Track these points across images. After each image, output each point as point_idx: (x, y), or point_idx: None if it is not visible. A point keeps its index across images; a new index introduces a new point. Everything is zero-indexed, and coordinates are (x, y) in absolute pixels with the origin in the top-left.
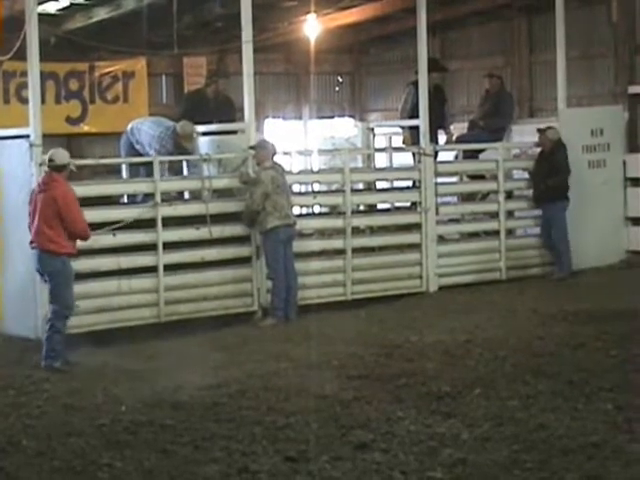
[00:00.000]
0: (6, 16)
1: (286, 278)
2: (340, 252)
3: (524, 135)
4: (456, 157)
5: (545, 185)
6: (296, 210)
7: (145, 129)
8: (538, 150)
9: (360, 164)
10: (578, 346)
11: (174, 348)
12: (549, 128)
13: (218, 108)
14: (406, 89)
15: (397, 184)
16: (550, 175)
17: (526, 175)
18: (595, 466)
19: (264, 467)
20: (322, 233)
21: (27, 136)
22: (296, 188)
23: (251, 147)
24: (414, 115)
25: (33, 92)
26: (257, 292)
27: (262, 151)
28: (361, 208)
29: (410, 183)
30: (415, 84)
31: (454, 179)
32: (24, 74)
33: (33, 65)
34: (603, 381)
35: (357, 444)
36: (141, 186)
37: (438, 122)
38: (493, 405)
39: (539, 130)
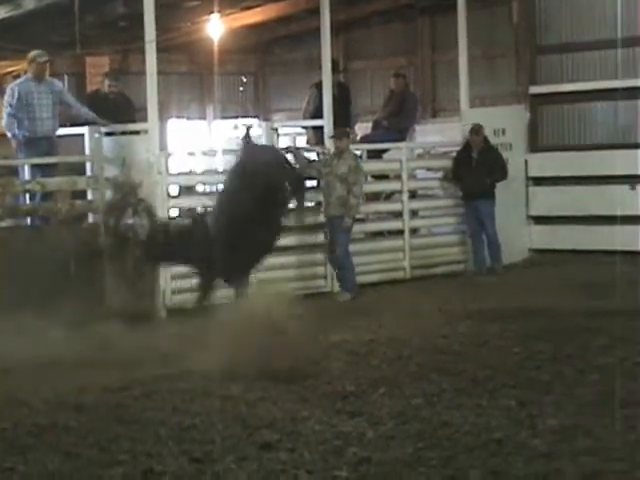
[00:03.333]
0: None
1: None
2: None
3: (427, 135)
4: (360, 157)
5: (492, 180)
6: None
7: None
8: (446, 149)
9: None
10: (482, 344)
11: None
12: (478, 126)
13: (117, 107)
14: (309, 90)
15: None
16: (492, 171)
17: (430, 174)
18: (499, 462)
19: (169, 468)
20: None
21: None
22: (200, 188)
23: (332, 136)
24: (317, 116)
25: None
26: None
27: (347, 140)
28: None
29: (314, 183)
30: (318, 86)
31: None
32: None
33: None
34: (506, 378)
35: (263, 444)
36: None
37: (342, 122)
38: (398, 403)
39: (472, 130)
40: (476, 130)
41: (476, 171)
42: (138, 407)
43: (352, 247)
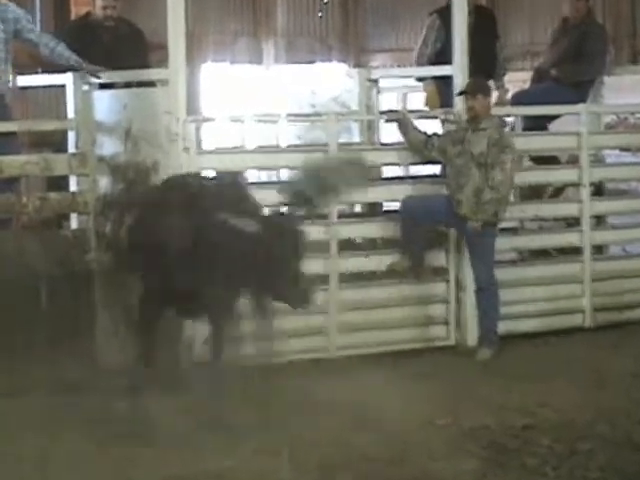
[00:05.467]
0: None
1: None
2: (323, 280)
3: (623, 93)
4: (512, 128)
5: None
6: None
7: None
8: None
9: (357, 138)
10: None
11: None
12: None
13: (119, 44)
14: (429, 20)
15: (416, 171)
16: None
17: (627, 157)
18: None
19: None
20: None
21: None
22: (254, 175)
23: (462, 92)
24: (442, 60)
25: None
26: None
27: (485, 99)
28: (357, 209)
29: (438, 169)
30: (443, 12)
31: None
32: None
33: None
34: None
35: None
36: None
37: (483, 70)
38: None
39: None
40: None
41: None
42: None
43: (497, 274)
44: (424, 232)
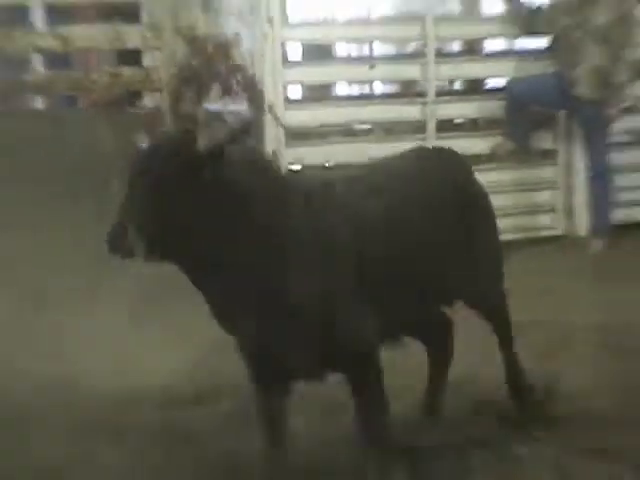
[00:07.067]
0: None
1: None
2: None
3: None
4: None
5: None
6: None
7: None
8: None
9: (456, 7)
10: None
11: None
12: None
13: None
14: None
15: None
16: None
17: None
18: None
19: None
20: None
21: None
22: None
23: None
24: None
25: None
26: None
27: None
28: (457, 87)
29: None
30: None
31: None
32: None
33: None
34: None
35: None
36: None
37: None
38: None
39: None
40: None
41: None
42: None
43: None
44: (531, 113)
